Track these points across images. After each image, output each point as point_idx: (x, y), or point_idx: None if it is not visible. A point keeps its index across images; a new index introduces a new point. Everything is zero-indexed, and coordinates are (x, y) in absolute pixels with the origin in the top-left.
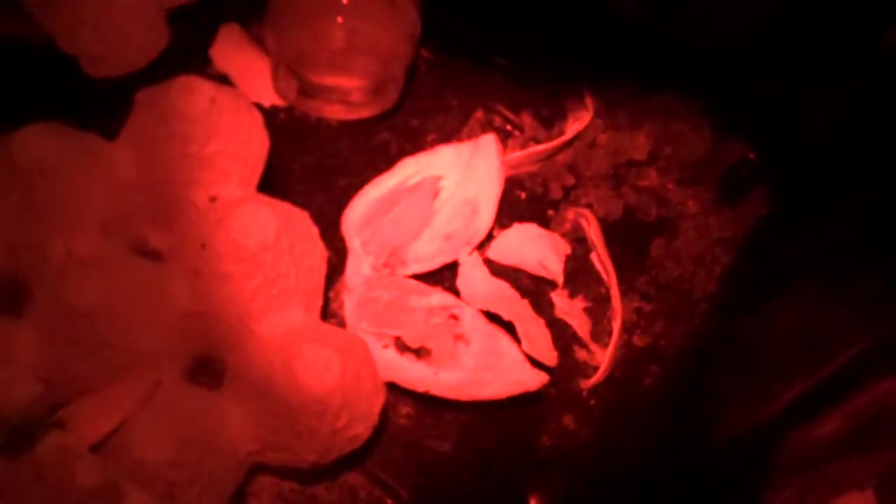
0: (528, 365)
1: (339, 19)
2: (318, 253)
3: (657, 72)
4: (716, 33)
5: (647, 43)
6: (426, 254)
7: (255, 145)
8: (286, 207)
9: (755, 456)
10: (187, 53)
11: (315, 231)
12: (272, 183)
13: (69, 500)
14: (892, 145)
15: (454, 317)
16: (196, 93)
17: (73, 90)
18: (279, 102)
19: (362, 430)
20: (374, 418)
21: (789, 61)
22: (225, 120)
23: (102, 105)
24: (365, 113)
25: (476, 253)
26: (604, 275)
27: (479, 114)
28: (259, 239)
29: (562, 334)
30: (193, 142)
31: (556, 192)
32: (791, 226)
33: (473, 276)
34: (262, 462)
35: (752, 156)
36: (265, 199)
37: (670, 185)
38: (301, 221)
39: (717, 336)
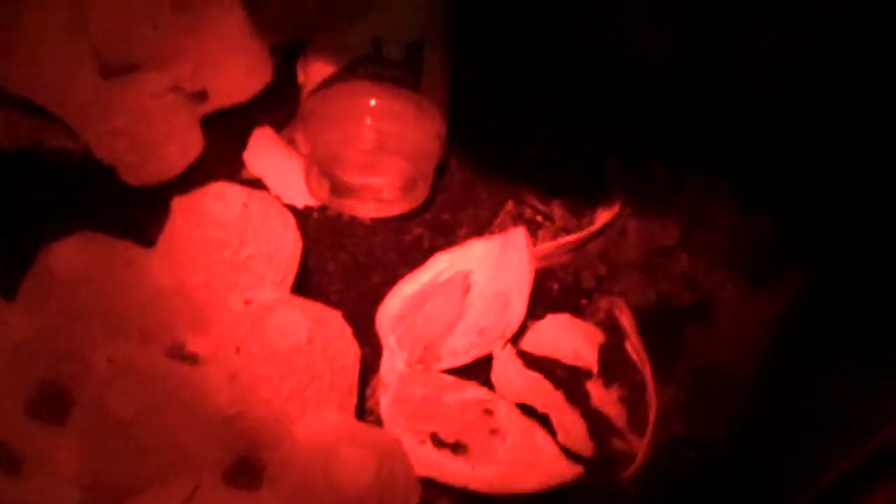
0: (563, 457)
1: (368, 121)
2: (352, 352)
3: (685, 157)
4: (746, 106)
5: (675, 126)
6: (460, 348)
7: (287, 248)
8: (318, 308)
9: None
10: (222, 158)
11: (348, 330)
12: (308, 282)
13: None
14: None
15: (489, 411)
16: (229, 199)
17: (111, 199)
18: (312, 203)
19: None
20: None
21: (816, 141)
22: (258, 224)
23: (140, 212)
24: (397, 210)
25: (509, 346)
26: (638, 363)
27: (509, 206)
28: (292, 341)
29: (598, 424)
30: (228, 247)
31: (588, 282)
32: (828, 304)
33: (507, 369)
34: None
35: (784, 235)
36: (298, 301)
37: (703, 270)
38: (333, 322)
39: (757, 419)
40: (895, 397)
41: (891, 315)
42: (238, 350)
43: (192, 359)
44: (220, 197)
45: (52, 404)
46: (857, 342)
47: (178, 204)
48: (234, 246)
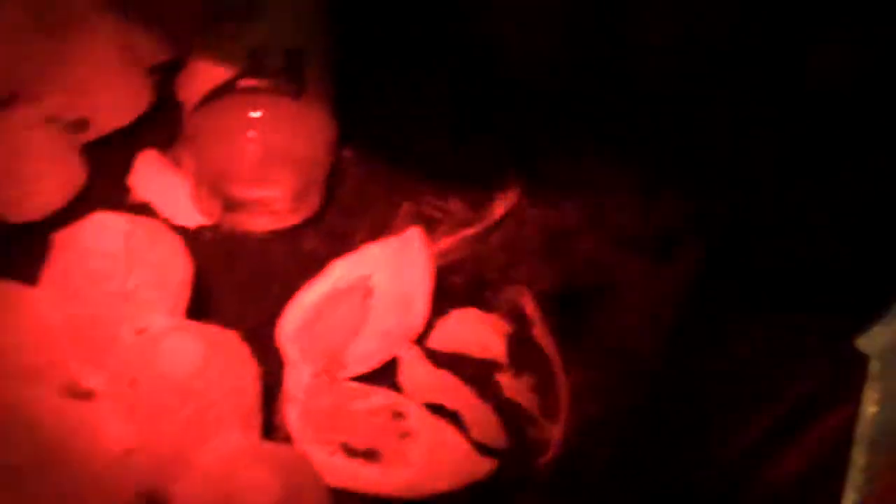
0: (476, 453)
1: (252, 134)
2: (251, 372)
3: (579, 142)
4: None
5: (570, 106)
6: (365, 353)
7: (177, 272)
8: (213, 331)
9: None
10: (107, 185)
11: (245, 350)
12: (204, 304)
13: None
14: (823, 175)
15: (399, 414)
16: (110, 228)
17: None
18: (204, 222)
19: None
20: None
21: (711, 108)
22: (144, 251)
23: (22, 250)
24: (290, 221)
25: (415, 346)
26: (546, 349)
27: (406, 206)
28: (187, 368)
29: (512, 415)
30: (114, 278)
31: (491, 274)
32: (729, 271)
33: (414, 370)
34: None
35: (683, 210)
36: (190, 325)
37: (605, 250)
38: (229, 342)
39: (668, 393)
40: (798, 355)
41: (783, 279)
42: (133, 382)
43: (88, 394)
44: (101, 227)
45: None
46: (756, 307)
47: (59, 238)
48: (121, 276)
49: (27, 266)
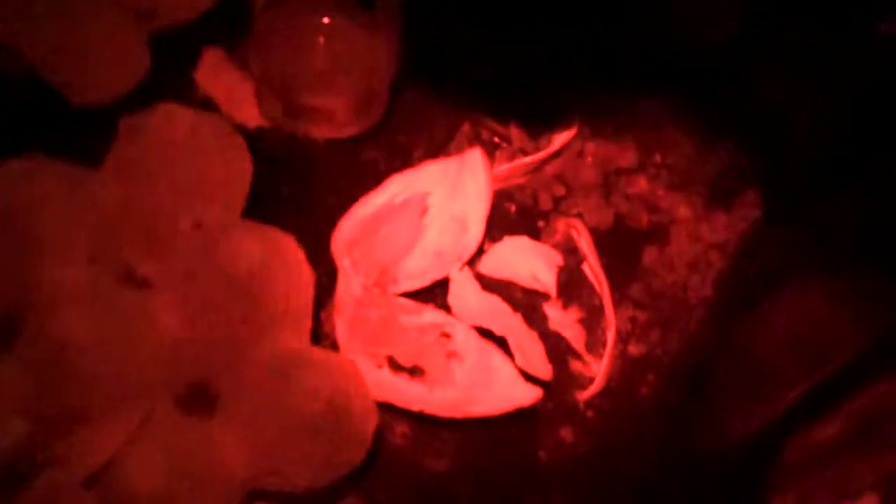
0: (521, 380)
1: (321, 39)
2: (305, 276)
3: (643, 78)
4: (702, 29)
5: (633, 47)
6: (417, 271)
7: (238, 170)
8: (272, 232)
9: (756, 461)
10: (172, 78)
11: (301, 255)
12: (259, 206)
13: None
14: (885, 142)
15: (446, 334)
16: (177, 120)
17: (57, 120)
18: (265, 124)
19: (355, 453)
20: (366, 441)
21: (776, 60)
22: (207, 146)
23: (86, 133)
24: (351, 131)
25: (467, 268)
26: (596, 285)
27: (466, 127)
28: (245, 266)
29: (556, 346)
30: (176, 169)
31: (545, 204)
32: (784, 228)
33: (464, 292)
34: (257, 489)
35: (742, 158)
36: (251, 224)
37: (660, 192)
38: (287, 245)
39: (713, 342)
40: (849, 323)
41: (846, 242)
42: (189, 274)
43: (143, 282)
44: (169, 117)
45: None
46: (812, 268)
47: (125, 124)
48: (183, 168)
49: (92, 151)
